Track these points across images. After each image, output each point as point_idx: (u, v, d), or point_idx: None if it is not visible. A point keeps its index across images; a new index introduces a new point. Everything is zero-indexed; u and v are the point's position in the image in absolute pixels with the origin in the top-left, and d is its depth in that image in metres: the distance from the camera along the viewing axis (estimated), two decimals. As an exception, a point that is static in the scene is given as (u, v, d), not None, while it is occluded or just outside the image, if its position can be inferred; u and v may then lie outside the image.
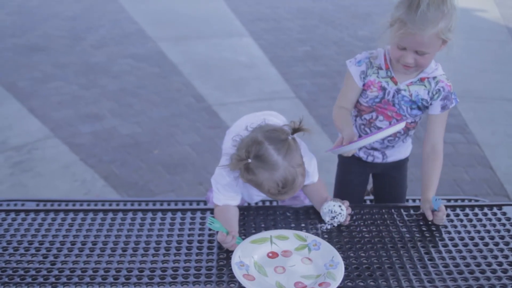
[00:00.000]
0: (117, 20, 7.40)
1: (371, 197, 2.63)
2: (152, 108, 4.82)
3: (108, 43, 6.53)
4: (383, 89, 2.05)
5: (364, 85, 2.08)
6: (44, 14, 7.56)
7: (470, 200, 2.77)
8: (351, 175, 2.36)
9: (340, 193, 2.27)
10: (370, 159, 2.29)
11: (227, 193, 1.89)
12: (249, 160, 1.68)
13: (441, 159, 2.05)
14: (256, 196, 2.05)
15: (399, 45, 1.89)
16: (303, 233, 1.75)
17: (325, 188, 2.05)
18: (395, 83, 2.03)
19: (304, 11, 8.13)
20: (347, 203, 1.88)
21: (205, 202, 2.61)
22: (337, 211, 1.85)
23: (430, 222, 1.93)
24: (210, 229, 1.85)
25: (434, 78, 2.03)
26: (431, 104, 2.05)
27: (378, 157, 2.27)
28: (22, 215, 1.97)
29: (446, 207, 2.04)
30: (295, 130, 1.74)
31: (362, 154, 2.29)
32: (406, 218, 1.98)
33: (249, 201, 2.13)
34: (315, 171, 1.98)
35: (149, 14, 7.69)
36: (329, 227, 1.87)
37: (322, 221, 1.90)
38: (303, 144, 1.90)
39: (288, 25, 7.43)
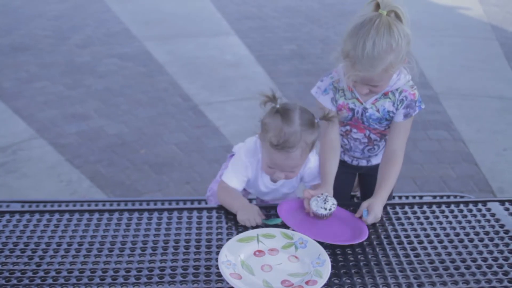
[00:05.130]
0: (103, 19, 7.36)
1: (358, 193, 2.64)
2: (138, 108, 4.80)
3: (94, 42, 6.49)
4: (352, 109, 2.07)
5: (336, 108, 2.09)
6: (28, 14, 7.50)
7: (455, 197, 2.79)
8: (337, 174, 2.36)
9: None
10: (355, 163, 2.31)
11: (237, 171, 2.03)
12: (277, 106, 1.86)
13: (399, 164, 2.03)
14: (264, 188, 2.12)
15: (351, 79, 1.88)
16: (289, 231, 1.75)
17: None
18: (361, 103, 2.04)
19: (290, 9, 8.14)
20: (330, 203, 1.88)
21: (192, 202, 2.61)
22: (318, 212, 1.86)
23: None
24: (198, 229, 1.85)
25: (397, 89, 2.01)
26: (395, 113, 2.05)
27: (362, 162, 2.30)
28: (7, 216, 1.95)
29: (432, 203, 2.06)
30: (324, 117, 1.91)
31: (347, 158, 2.30)
32: (392, 215, 1.99)
33: (256, 195, 2.22)
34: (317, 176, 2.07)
35: (135, 14, 7.65)
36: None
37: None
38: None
39: (274, 23, 7.44)
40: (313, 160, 2.05)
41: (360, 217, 1.90)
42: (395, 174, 2.02)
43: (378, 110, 2.04)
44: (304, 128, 1.83)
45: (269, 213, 1.97)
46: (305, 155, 1.90)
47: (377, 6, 1.80)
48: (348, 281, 1.62)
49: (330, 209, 1.85)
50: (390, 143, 2.07)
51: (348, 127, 2.14)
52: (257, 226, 1.84)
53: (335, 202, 1.88)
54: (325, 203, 1.85)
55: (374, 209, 1.89)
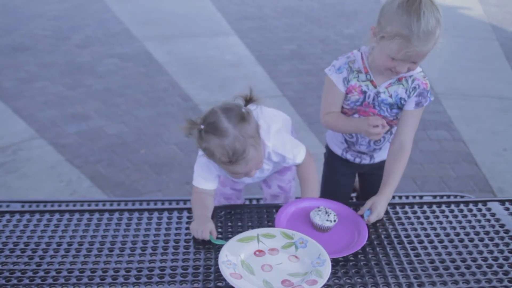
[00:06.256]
0: (103, 19, 7.36)
1: (355, 194, 2.65)
2: (138, 108, 4.80)
3: (94, 42, 6.49)
4: (364, 92, 2.06)
5: (346, 89, 2.08)
6: (28, 14, 7.50)
7: (456, 197, 2.79)
8: (337, 175, 2.36)
9: (326, 193, 2.28)
10: (357, 160, 2.30)
11: (203, 173, 1.96)
12: (202, 126, 1.74)
13: (406, 157, 2.04)
14: (237, 181, 2.08)
15: (395, 57, 1.86)
16: (289, 231, 1.75)
17: (314, 177, 2.06)
18: (375, 86, 2.04)
19: (290, 9, 8.15)
20: (332, 214, 1.87)
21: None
22: (324, 225, 1.85)
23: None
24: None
25: (410, 76, 2.03)
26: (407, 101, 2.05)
27: (365, 159, 2.29)
28: (7, 216, 1.95)
29: (432, 203, 2.06)
30: (248, 101, 1.81)
31: (349, 157, 2.30)
32: (392, 215, 1.99)
33: (235, 186, 2.17)
34: (296, 154, 2.01)
35: (135, 14, 7.66)
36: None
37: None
38: (287, 125, 2.06)
39: (274, 23, 7.44)
40: (270, 145, 1.95)
41: (362, 216, 1.89)
42: (402, 167, 2.02)
43: (391, 96, 2.04)
44: (240, 127, 1.73)
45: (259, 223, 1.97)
46: (258, 145, 1.82)
47: None
48: (348, 281, 1.62)
49: (334, 220, 1.84)
50: (398, 133, 2.06)
51: (356, 115, 2.12)
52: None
53: (334, 212, 1.87)
54: (328, 215, 1.84)
55: (377, 207, 1.89)
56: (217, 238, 1.81)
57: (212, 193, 2.00)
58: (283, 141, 2.00)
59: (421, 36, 1.78)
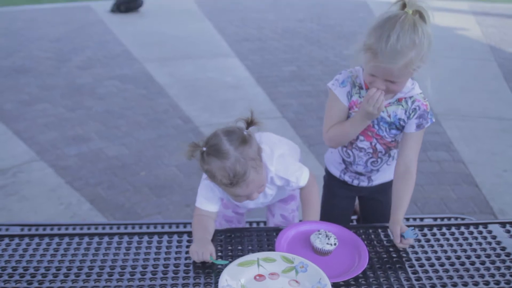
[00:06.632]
0: (104, 41, 7.42)
1: (356, 217, 2.64)
2: (139, 130, 4.82)
3: (94, 64, 6.53)
4: None
5: (348, 104, 2.08)
6: (30, 36, 7.56)
7: (456, 219, 2.78)
8: (336, 199, 2.35)
9: (326, 216, 2.26)
10: (355, 182, 2.29)
11: (206, 194, 1.97)
12: (204, 148, 1.77)
13: (413, 179, 2.04)
14: (239, 205, 2.07)
15: (369, 72, 1.89)
16: (290, 255, 1.74)
17: (317, 200, 2.08)
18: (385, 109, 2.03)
19: (289, 31, 8.22)
20: (333, 238, 1.86)
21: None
22: (325, 249, 1.84)
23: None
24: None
25: (410, 97, 2.03)
26: (407, 122, 2.05)
27: (363, 181, 2.28)
28: (6, 240, 1.94)
29: (433, 225, 2.06)
30: (249, 124, 1.83)
31: (347, 178, 2.29)
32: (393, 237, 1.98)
33: (238, 209, 2.18)
34: (299, 177, 2.02)
35: (135, 36, 7.72)
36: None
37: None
38: (295, 152, 2.06)
39: (274, 45, 7.50)
40: (273, 169, 1.97)
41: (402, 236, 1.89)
42: (410, 190, 2.02)
43: (390, 116, 2.04)
44: (241, 149, 1.76)
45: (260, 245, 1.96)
46: (260, 168, 1.84)
47: (403, 6, 1.84)
48: (349, 305, 1.61)
49: (335, 244, 1.84)
50: (402, 156, 2.05)
51: None
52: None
53: (335, 235, 1.87)
54: (328, 239, 1.83)
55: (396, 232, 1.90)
56: (217, 259, 1.80)
57: (214, 216, 2.00)
58: (285, 165, 2.00)
59: (388, 53, 1.78)
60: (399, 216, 1.95)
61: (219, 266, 1.75)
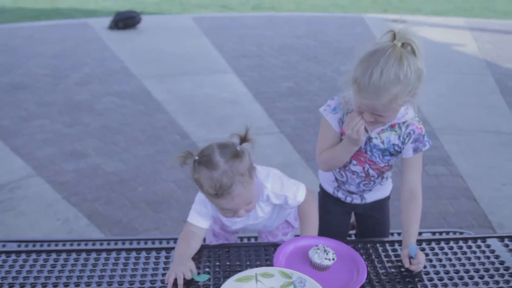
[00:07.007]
0: (102, 58, 7.45)
1: (354, 231, 2.63)
2: (137, 146, 4.82)
3: (92, 81, 6.55)
4: None
5: (340, 130, 2.06)
6: (28, 53, 7.59)
7: (454, 233, 2.78)
8: (330, 216, 2.33)
9: (322, 233, 2.25)
10: (348, 199, 2.27)
11: (200, 208, 1.98)
12: (196, 157, 1.81)
13: (420, 202, 2.02)
14: (227, 222, 2.07)
15: (356, 105, 1.87)
16: (288, 270, 1.73)
17: (315, 214, 2.09)
18: (367, 131, 1.96)
19: (287, 47, 8.26)
20: (331, 253, 1.85)
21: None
22: (323, 264, 1.83)
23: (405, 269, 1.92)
24: (196, 268, 1.84)
25: (404, 122, 2.00)
26: (403, 148, 2.03)
27: (356, 199, 2.27)
28: (3, 256, 1.93)
29: (431, 240, 2.06)
30: (242, 140, 1.86)
31: (340, 195, 2.28)
32: (391, 252, 1.98)
33: (229, 225, 2.15)
34: (295, 193, 2.03)
35: (134, 53, 7.75)
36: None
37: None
38: (275, 179, 2.00)
39: (271, 61, 7.53)
40: (269, 186, 1.98)
41: (409, 259, 1.86)
42: (418, 214, 2.00)
43: (383, 142, 2.02)
44: (231, 163, 1.78)
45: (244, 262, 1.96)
46: (248, 184, 1.84)
47: (394, 37, 1.79)
48: (348, 320, 1.60)
49: (333, 259, 1.83)
50: (406, 181, 2.04)
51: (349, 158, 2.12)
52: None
53: (333, 250, 1.87)
54: (326, 254, 1.83)
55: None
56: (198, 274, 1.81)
57: (202, 233, 1.98)
58: (281, 182, 2.01)
59: (370, 89, 1.75)
60: (408, 242, 1.91)
61: (203, 281, 1.76)
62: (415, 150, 2.01)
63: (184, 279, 1.74)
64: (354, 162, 2.11)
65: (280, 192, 1.99)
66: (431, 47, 8.33)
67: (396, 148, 2.03)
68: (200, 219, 1.97)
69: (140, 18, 9.24)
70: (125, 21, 9.04)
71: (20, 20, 9.31)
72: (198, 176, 1.80)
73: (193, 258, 1.88)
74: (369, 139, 2.02)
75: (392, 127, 2.01)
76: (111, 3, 10.94)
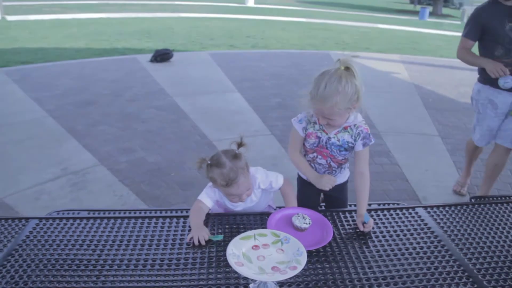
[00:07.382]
0: (145, 82, 7.42)
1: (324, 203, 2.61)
2: (170, 143, 4.80)
3: (139, 98, 6.52)
4: (318, 137, 2.04)
5: (306, 135, 2.07)
6: (95, 78, 7.55)
7: (394, 204, 2.77)
8: (306, 195, 2.30)
9: (301, 206, 2.22)
10: None
11: (208, 192, 1.98)
12: (208, 162, 1.85)
13: (368, 183, 2.00)
14: (230, 205, 2.05)
15: (313, 111, 1.90)
16: (277, 232, 1.72)
17: (294, 193, 2.09)
18: (326, 133, 2.00)
19: (276, 74, 8.23)
20: (308, 219, 1.84)
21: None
22: (302, 227, 1.83)
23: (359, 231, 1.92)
24: (212, 230, 1.83)
25: (354, 125, 1.99)
26: (355, 144, 2.02)
27: None
28: (78, 221, 1.93)
29: (377, 210, 2.05)
30: (239, 146, 1.89)
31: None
32: (349, 219, 1.98)
33: (232, 208, 2.13)
34: (276, 179, 2.03)
35: (168, 78, 7.72)
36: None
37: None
38: (261, 172, 2.01)
39: (265, 84, 7.51)
40: (259, 177, 1.99)
41: (362, 224, 1.84)
42: (367, 189, 1.99)
43: (339, 140, 2.01)
44: (234, 162, 1.83)
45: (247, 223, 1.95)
46: (247, 175, 1.88)
47: (339, 63, 1.82)
48: (319, 266, 1.60)
49: (309, 223, 1.83)
50: (357, 167, 2.02)
51: (314, 154, 2.10)
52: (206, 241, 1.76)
53: (309, 217, 1.86)
54: (304, 219, 1.82)
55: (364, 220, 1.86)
56: (213, 235, 1.80)
57: (207, 209, 1.97)
58: (266, 173, 2.04)
59: (318, 97, 1.79)
60: (361, 212, 1.91)
61: (219, 240, 1.75)
62: (364, 145, 2.01)
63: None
64: (320, 156, 2.10)
65: (266, 179, 2.01)
66: (376, 74, 8.33)
67: (350, 144, 2.02)
68: (208, 199, 1.97)
69: (172, 54, 9.19)
70: (162, 56, 8.98)
71: (90, 57, 9.24)
72: (212, 174, 1.84)
73: (212, 223, 1.88)
74: (329, 138, 2.02)
75: (345, 129, 2.00)
76: (152, 44, 10.89)
